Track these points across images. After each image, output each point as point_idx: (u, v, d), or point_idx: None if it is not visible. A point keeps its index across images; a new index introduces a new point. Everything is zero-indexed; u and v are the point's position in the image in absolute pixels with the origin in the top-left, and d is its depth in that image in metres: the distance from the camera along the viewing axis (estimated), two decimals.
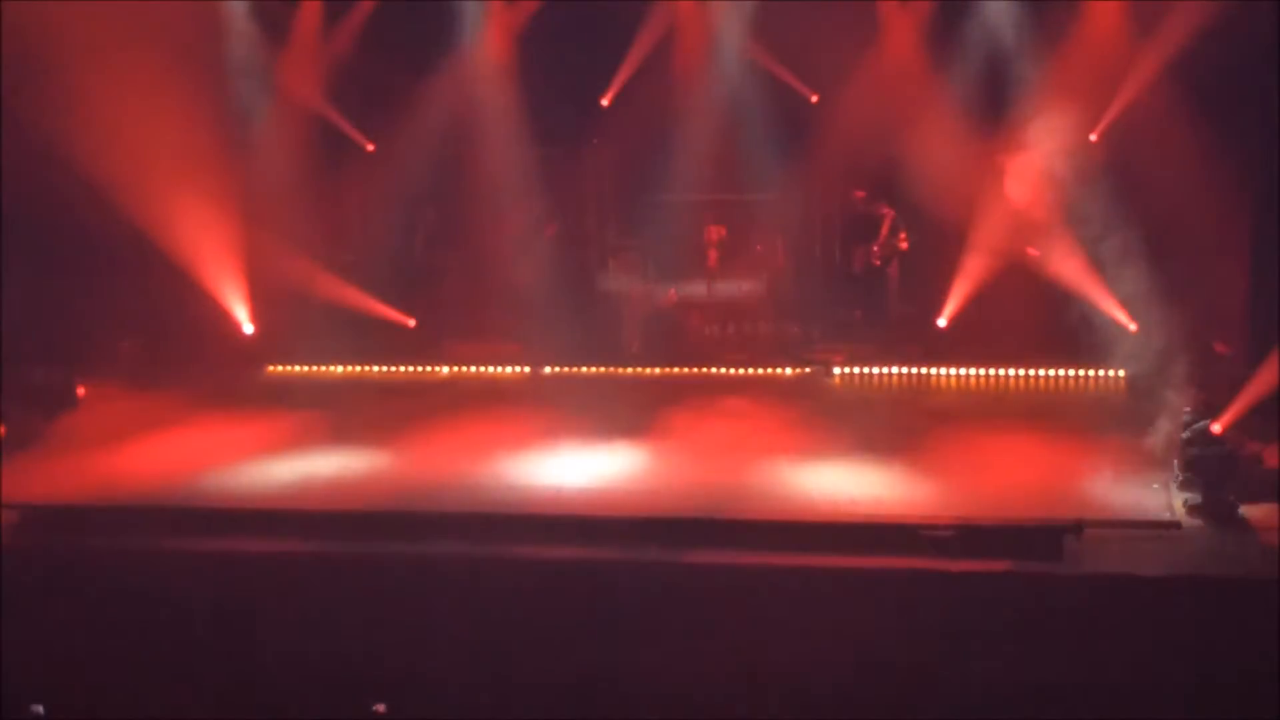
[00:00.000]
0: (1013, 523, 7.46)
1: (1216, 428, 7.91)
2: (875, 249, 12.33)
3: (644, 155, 12.83)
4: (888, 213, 12.33)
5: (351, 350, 12.44)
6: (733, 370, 11.95)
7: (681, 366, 12.03)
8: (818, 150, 12.79)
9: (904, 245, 12.32)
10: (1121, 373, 10.86)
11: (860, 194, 12.41)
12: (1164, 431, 8.45)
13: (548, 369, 12.12)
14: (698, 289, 12.60)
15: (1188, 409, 8.23)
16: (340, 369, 12.36)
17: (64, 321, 11.17)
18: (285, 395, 11.10)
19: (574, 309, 12.63)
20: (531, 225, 12.72)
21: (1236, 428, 7.95)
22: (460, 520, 7.78)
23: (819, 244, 13.12)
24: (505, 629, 7.03)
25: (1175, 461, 8.05)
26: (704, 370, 11.97)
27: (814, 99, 12.56)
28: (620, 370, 12.11)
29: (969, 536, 7.29)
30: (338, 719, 6.42)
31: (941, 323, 11.80)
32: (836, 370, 11.73)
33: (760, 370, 11.90)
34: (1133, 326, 10.79)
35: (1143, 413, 9.02)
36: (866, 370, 11.70)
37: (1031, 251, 11.77)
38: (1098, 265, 11.48)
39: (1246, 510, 7.66)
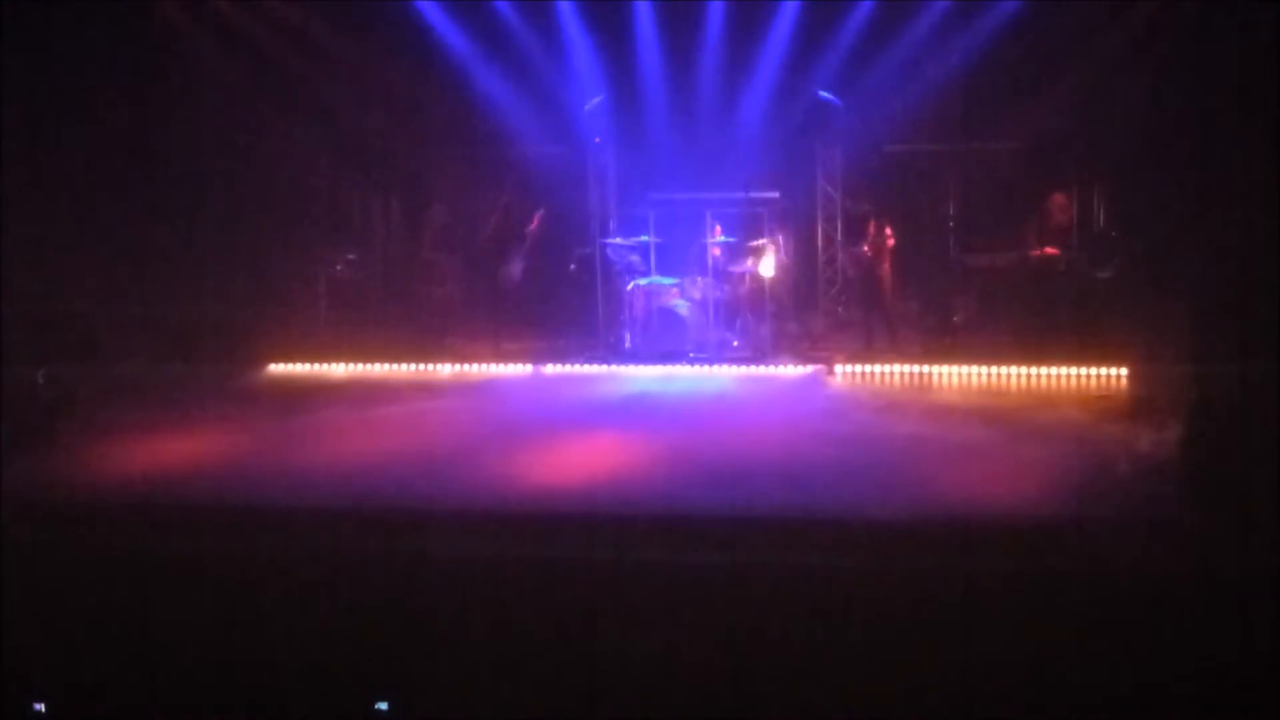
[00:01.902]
0: (1012, 521, 7.45)
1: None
2: (865, 249, 12.37)
3: (646, 153, 12.88)
4: (872, 212, 12.36)
5: (353, 349, 12.52)
6: (733, 368, 11.96)
7: (682, 364, 12.05)
8: (822, 149, 12.87)
9: (890, 243, 12.36)
10: (1124, 371, 10.87)
11: (849, 195, 12.44)
12: (1166, 429, 8.44)
13: (549, 367, 12.15)
14: (698, 287, 12.61)
15: (1185, 406, 8.23)
16: (342, 368, 12.37)
17: (65, 320, 11.19)
18: (286, 394, 11.10)
19: (574, 307, 12.69)
20: (531, 223, 12.79)
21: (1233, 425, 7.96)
22: (459, 519, 7.78)
23: (820, 242, 13.15)
24: (507, 627, 7.02)
25: (1175, 458, 8.04)
26: (704, 368, 11.99)
27: (820, 96, 12.61)
28: (621, 368, 12.14)
29: (968, 534, 7.29)
30: (338, 719, 6.42)
31: (957, 319, 11.88)
32: (838, 369, 11.74)
33: (761, 368, 11.91)
34: (1134, 324, 10.82)
35: (1144, 411, 9.01)
36: (867, 369, 11.70)
37: (1050, 250, 11.82)
38: (1101, 265, 11.53)
39: (1246, 507, 7.64)
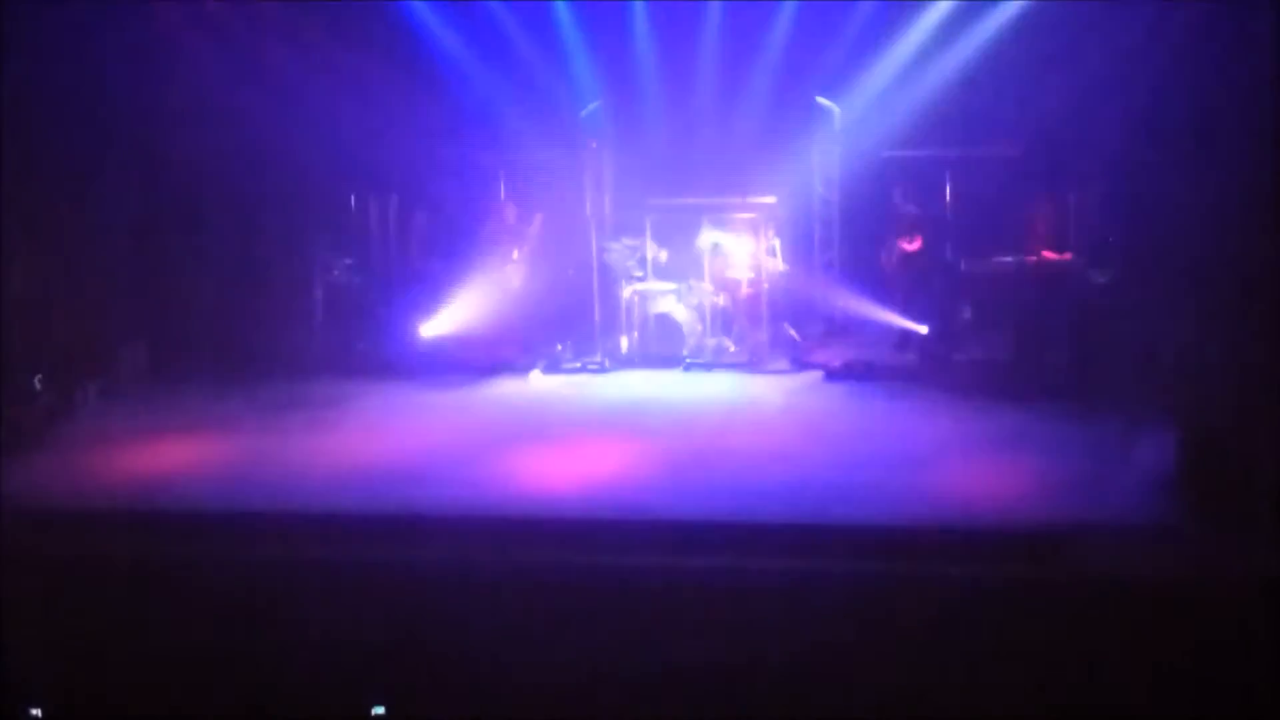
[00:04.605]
0: (1010, 524, 7.44)
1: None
2: (906, 247, 12.44)
3: (643, 158, 12.90)
4: (916, 214, 12.46)
5: (349, 354, 12.53)
6: (730, 373, 11.96)
7: (679, 370, 12.05)
8: (820, 154, 12.91)
9: (916, 245, 12.42)
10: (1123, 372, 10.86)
11: (899, 193, 12.52)
12: (1164, 430, 8.42)
13: (547, 372, 12.16)
14: (695, 292, 12.62)
15: (1187, 406, 8.23)
16: (340, 372, 12.33)
17: (66, 322, 11.18)
18: (283, 400, 11.07)
19: (571, 312, 12.70)
20: (528, 227, 12.80)
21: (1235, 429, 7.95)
22: (457, 522, 7.78)
23: (819, 246, 13.19)
24: (505, 631, 7.01)
25: (1172, 459, 8.03)
26: (701, 373, 12.00)
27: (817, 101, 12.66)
28: (618, 373, 12.14)
29: (966, 538, 7.28)
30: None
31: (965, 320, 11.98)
32: (836, 371, 11.74)
33: (759, 372, 11.91)
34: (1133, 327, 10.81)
35: (1144, 411, 9.00)
36: (864, 371, 11.68)
37: (1049, 255, 11.82)
38: (1101, 268, 11.54)
39: (1244, 509, 7.64)
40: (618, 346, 12.61)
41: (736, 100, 12.77)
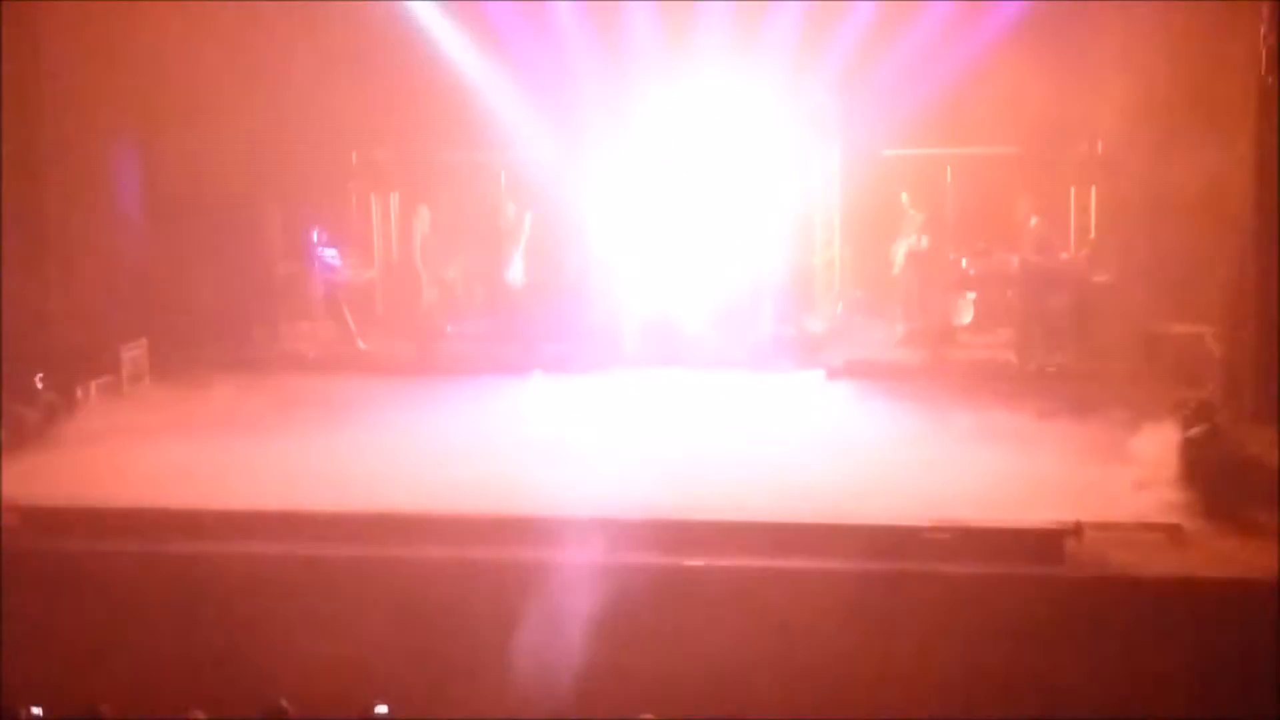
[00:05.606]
0: (1012, 525, 7.44)
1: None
2: (918, 245, 12.45)
3: (644, 157, 12.88)
4: (920, 213, 12.47)
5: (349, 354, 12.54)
6: (731, 372, 11.94)
7: (680, 367, 12.03)
8: (821, 153, 12.90)
9: (925, 245, 12.43)
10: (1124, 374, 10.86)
11: (903, 196, 12.54)
12: (1164, 431, 8.43)
13: (545, 371, 12.14)
14: (703, 288, 12.60)
15: (1187, 408, 8.22)
16: (340, 372, 12.32)
17: (65, 322, 11.18)
18: (285, 399, 11.07)
19: (572, 312, 12.68)
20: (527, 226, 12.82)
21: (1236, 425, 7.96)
22: (457, 522, 7.78)
23: (820, 244, 13.18)
24: (505, 631, 7.02)
25: (1175, 460, 8.02)
26: (703, 371, 11.98)
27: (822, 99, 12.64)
28: (618, 373, 12.12)
29: (968, 539, 7.27)
30: (338, 719, 6.41)
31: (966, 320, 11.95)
32: (837, 370, 11.73)
33: (761, 371, 11.90)
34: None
35: (1143, 411, 9.01)
36: (865, 370, 11.67)
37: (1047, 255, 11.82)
38: (1100, 269, 11.54)
39: (1247, 510, 7.65)
40: (619, 345, 12.58)
41: (739, 98, 12.72)
